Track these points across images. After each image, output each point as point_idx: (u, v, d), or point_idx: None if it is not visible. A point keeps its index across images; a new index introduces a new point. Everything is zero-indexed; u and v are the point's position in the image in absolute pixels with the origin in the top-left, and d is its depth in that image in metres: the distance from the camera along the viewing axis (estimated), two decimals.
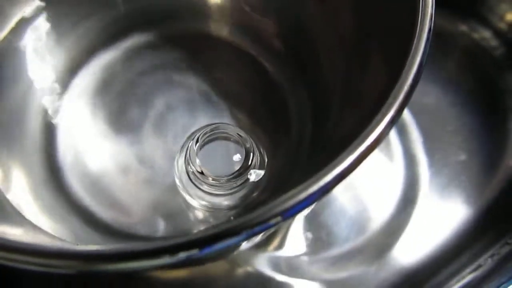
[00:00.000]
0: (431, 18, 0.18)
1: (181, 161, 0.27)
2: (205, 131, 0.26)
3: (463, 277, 0.28)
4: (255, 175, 0.26)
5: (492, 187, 0.31)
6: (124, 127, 0.30)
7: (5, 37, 0.27)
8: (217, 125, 0.26)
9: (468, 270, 0.28)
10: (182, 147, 0.27)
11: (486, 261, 0.28)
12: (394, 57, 0.19)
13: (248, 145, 0.26)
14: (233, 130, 0.26)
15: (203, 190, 0.26)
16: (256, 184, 0.26)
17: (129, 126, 0.30)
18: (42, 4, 0.28)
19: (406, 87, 0.17)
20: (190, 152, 0.25)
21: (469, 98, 0.33)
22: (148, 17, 0.32)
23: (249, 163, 0.25)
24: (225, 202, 0.27)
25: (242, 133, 0.26)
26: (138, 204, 0.28)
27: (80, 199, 0.28)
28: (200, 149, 0.26)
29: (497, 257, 0.28)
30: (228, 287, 0.28)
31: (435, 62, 0.34)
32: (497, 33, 0.34)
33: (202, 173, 0.25)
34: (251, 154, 0.25)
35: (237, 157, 0.26)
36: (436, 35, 0.34)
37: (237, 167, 0.25)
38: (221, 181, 0.25)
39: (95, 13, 0.30)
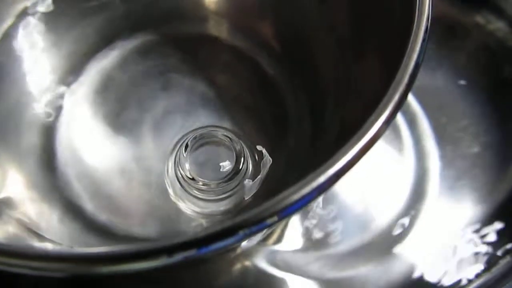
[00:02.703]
0: (427, 19, 0.18)
1: (171, 166, 0.26)
2: (194, 136, 0.26)
3: (477, 277, 0.27)
4: (251, 183, 0.25)
5: (506, 181, 0.30)
6: (122, 129, 0.30)
7: (1, 39, 0.27)
8: (206, 129, 0.26)
9: (482, 269, 0.27)
10: (172, 151, 0.26)
11: (501, 259, 0.27)
12: (391, 58, 0.19)
13: (238, 149, 0.25)
14: (224, 133, 0.26)
15: (194, 196, 0.26)
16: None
17: (127, 128, 0.30)
18: (38, 4, 0.28)
19: (401, 89, 0.17)
20: (180, 158, 0.25)
21: (483, 90, 0.32)
22: (146, 19, 0.32)
23: (240, 167, 0.25)
24: (217, 207, 0.27)
25: (233, 137, 0.26)
26: (134, 205, 0.28)
27: (76, 200, 0.28)
28: (190, 154, 0.25)
29: None
30: (227, 283, 0.28)
31: (448, 54, 0.33)
32: None
33: (192, 178, 0.25)
34: (242, 158, 0.25)
35: (226, 162, 0.26)
36: (449, 26, 0.34)
37: (228, 172, 0.25)
38: (212, 185, 0.25)
39: (93, 14, 0.30)
